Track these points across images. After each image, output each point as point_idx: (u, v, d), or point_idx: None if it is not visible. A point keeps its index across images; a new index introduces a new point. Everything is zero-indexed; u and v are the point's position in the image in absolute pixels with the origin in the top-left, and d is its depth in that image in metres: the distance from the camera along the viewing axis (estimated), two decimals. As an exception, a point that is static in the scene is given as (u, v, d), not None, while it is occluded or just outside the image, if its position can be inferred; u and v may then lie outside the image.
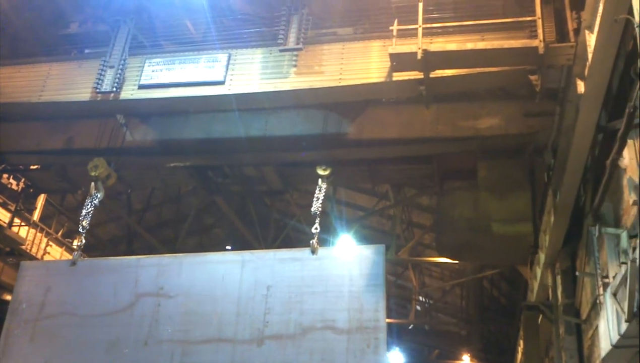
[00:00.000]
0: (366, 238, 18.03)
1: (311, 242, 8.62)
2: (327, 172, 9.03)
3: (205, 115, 9.60)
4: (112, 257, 10.20)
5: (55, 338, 9.17)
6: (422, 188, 15.20)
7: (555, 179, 7.48)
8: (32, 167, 12.33)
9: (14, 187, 17.07)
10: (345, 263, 8.33)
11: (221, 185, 11.29)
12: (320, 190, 8.99)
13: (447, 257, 12.62)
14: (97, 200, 9.64)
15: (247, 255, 9.11)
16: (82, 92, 9.15)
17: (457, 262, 14.36)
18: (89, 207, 9.63)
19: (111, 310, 9.09)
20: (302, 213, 20.02)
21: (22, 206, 17.28)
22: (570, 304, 7.97)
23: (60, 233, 19.43)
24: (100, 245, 20.91)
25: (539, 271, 9.43)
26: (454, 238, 10.07)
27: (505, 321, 19.37)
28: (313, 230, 8.74)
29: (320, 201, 8.88)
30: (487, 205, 9.42)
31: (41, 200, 18.23)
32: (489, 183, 9.30)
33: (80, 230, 9.59)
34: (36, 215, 18.11)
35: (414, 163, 10.09)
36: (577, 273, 7.63)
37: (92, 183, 9.61)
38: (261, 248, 18.31)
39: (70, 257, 19.07)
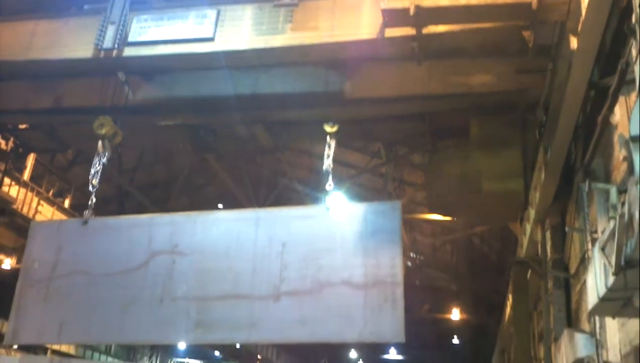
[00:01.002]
0: (358, 196, 18.12)
1: (326, 198, 8.57)
2: (334, 129, 8.95)
3: (195, 73, 9.48)
4: (124, 216, 10.14)
5: (69, 297, 9.16)
6: (413, 147, 15.21)
7: (547, 135, 7.50)
8: (20, 127, 12.19)
9: (3, 146, 16.94)
10: (360, 220, 8.27)
11: (212, 144, 11.23)
12: (329, 148, 8.87)
13: (438, 214, 12.72)
14: (105, 158, 9.54)
15: (261, 212, 9.09)
16: (72, 50, 9.03)
17: (448, 219, 14.47)
18: (97, 166, 9.55)
19: (125, 268, 9.05)
20: (293, 171, 20.06)
21: (11, 166, 17.21)
22: (559, 259, 8.08)
23: (51, 193, 19.42)
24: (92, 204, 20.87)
25: (528, 227, 9.53)
26: (445, 195, 10.13)
27: (494, 277, 19.66)
28: (327, 187, 8.65)
29: (330, 158, 8.76)
30: (478, 162, 9.45)
31: (31, 159, 18.16)
32: (481, 140, 9.31)
33: (90, 189, 9.51)
34: (26, 175, 18.06)
35: (406, 121, 10.07)
36: (566, 229, 7.73)
37: (99, 142, 9.50)
38: (251, 207, 18.39)
39: (62, 216, 19.14)
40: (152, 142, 13.15)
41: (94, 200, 9.58)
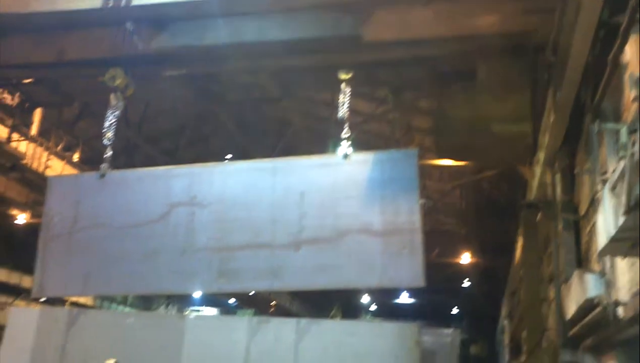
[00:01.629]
0: (365, 143, 18.06)
1: (342, 147, 8.44)
2: (349, 76, 8.82)
3: (200, 21, 9.31)
4: (140, 169, 10.13)
5: (92, 250, 9.22)
6: (421, 92, 15.08)
7: (556, 77, 7.38)
8: (25, 81, 12.13)
9: (9, 102, 16.94)
10: (378, 168, 8.20)
11: (218, 94, 11.14)
12: (344, 95, 8.71)
13: (446, 159, 12.68)
14: (118, 111, 9.49)
15: (278, 162, 9.01)
16: (79, 1, 8.91)
17: (456, 163, 14.43)
18: (111, 119, 9.50)
19: (145, 220, 9.07)
20: (300, 120, 19.98)
21: (19, 121, 17.22)
22: (569, 201, 8.08)
23: (60, 147, 19.48)
24: (101, 158, 20.93)
25: (538, 170, 9.49)
26: (454, 140, 10.07)
27: (504, 220, 19.72)
28: (342, 135, 8.50)
29: (345, 106, 8.61)
30: (487, 106, 9.35)
31: (38, 114, 18.16)
32: (489, 83, 9.18)
33: (106, 142, 9.49)
34: (34, 130, 18.09)
35: (413, 66, 9.91)
36: (576, 170, 7.69)
37: (112, 95, 9.43)
38: (260, 157, 18.39)
39: (73, 171, 19.25)
40: (158, 93, 13.05)
41: (110, 153, 9.57)
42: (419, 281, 7.54)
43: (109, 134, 9.47)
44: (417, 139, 17.27)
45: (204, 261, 8.62)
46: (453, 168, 17.68)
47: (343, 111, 8.63)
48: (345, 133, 8.55)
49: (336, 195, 8.23)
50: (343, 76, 8.84)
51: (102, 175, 9.56)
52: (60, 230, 9.52)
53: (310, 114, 20.21)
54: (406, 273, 7.62)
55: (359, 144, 16.04)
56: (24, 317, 9.83)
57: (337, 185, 8.29)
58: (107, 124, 9.43)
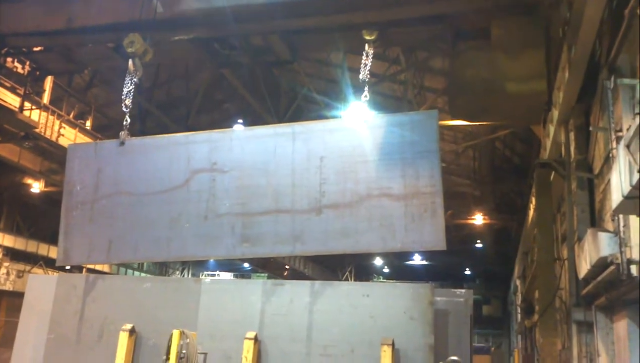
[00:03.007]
0: (378, 104, 17.92)
1: (362, 110, 8.37)
2: (373, 37, 8.65)
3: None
4: (160, 136, 10.13)
5: (114, 217, 9.30)
6: (434, 51, 14.88)
7: (571, 33, 7.22)
8: (35, 49, 12.09)
9: (20, 70, 16.91)
10: (397, 131, 8.10)
11: (228, 58, 11.05)
12: (367, 56, 8.55)
13: (460, 120, 12.56)
14: (136, 77, 9.43)
15: (297, 127, 8.92)
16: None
17: (470, 124, 14.30)
18: (129, 85, 9.44)
19: (167, 187, 9.11)
20: (312, 82, 19.83)
21: (30, 90, 17.24)
22: (583, 160, 8.00)
23: (72, 115, 19.51)
24: (113, 125, 21.01)
25: (552, 129, 9.39)
26: (468, 100, 9.96)
27: (517, 180, 19.64)
28: (362, 98, 8.39)
29: (368, 67, 8.45)
30: (501, 64, 9.22)
31: (49, 82, 18.14)
32: (503, 41, 9.04)
33: (124, 109, 9.46)
34: (46, 98, 18.10)
35: (426, 24, 9.74)
36: (590, 128, 7.59)
37: (130, 61, 9.36)
38: (272, 121, 18.33)
39: (86, 138, 19.32)
40: (168, 58, 12.99)
41: (129, 120, 9.54)
42: (441, 244, 7.53)
43: (127, 101, 9.43)
44: (429, 99, 17.10)
45: (227, 226, 8.66)
46: (466, 128, 17.54)
47: (364, 73, 8.48)
48: (365, 95, 8.42)
49: (356, 159, 8.17)
50: (367, 36, 8.66)
51: (122, 143, 9.55)
52: (82, 198, 9.58)
53: (322, 76, 20.05)
54: (428, 236, 7.61)
55: (371, 105, 15.94)
56: (42, 284, 9.98)
57: (356, 149, 8.23)
58: (125, 90, 9.38)
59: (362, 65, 8.50)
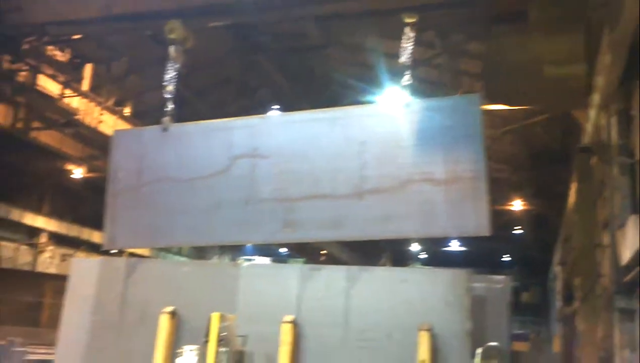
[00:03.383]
0: (413, 89, 17.74)
1: (404, 94, 8.23)
2: (413, 19, 8.55)
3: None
4: (202, 121, 10.27)
5: (158, 203, 9.47)
6: (469, 34, 14.65)
7: (612, 13, 7.04)
8: (74, 37, 12.30)
9: (60, 58, 17.25)
10: (440, 115, 8.02)
11: (263, 44, 11.09)
12: (407, 39, 8.37)
13: (497, 104, 12.37)
14: (178, 64, 9.52)
15: (336, 112, 8.98)
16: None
17: (508, 108, 14.08)
18: (171, 72, 9.56)
19: (209, 173, 9.22)
20: (347, 68, 19.75)
21: (70, 77, 17.57)
22: (625, 145, 7.82)
23: (111, 102, 19.83)
24: (151, 112, 21.29)
25: (592, 113, 9.20)
26: (504, 84, 9.80)
27: (557, 165, 19.28)
28: (404, 83, 8.25)
29: (409, 51, 8.29)
30: (539, 47, 9.04)
31: (88, 70, 18.45)
32: (541, 24, 8.85)
33: (166, 96, 9.58)
34: (85, 85, 18.43)
35: (462, 6, 9.61)
36: (632, 112, 7.41)
37: (171, 47, 9.46)
38: (306, 108, 18.34)
39: (125, 125, 19.64)
40: (203, 45, 13.07)
41: (171, 107, 9.66)
42: (485, 229, 7.45)
43: (170, 88, 9.53)
44: (465, 83, 16.88)
45: (268, 212, 8.72)
46: (504, 113, 17.26)
47: (406, 56, 8.31)
48: (407, 80, 8.29)
49: (397, 143, 8.10)
50: (407, 19, 8.55)
51: (165, 129, 9.68)
52: (126, 184, 9.77)
53: (356, 61, 19.96)
54: (471, 221, 7.55)
55: (406, 91, 15.80)
56: (85, 267, 10.24)
57: (397, 133, 8.16)
58: (167, 77, 9.48)
59: (403, 49, 8.34)
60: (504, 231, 31.08)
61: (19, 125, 18.11)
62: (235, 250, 36.65)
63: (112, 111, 19.75)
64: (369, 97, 18.80)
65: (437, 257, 42.69)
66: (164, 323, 8.53)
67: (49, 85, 16.98)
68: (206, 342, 7.21)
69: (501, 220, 28.02)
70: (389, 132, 8.20)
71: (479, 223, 7.47)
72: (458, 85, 16.97)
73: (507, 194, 24.45)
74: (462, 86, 16.74)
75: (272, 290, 8.63)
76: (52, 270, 24.85)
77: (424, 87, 18.80)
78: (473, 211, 7.50)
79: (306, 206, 8.49)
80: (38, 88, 16.42)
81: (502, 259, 44.79)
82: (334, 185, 8.35)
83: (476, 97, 8.09)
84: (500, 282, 8.55)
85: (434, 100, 8.68)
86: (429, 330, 7.34)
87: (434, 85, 17.67)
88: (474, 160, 7.62)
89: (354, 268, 8.53)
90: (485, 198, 7.49)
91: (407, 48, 8.31)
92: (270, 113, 17.50)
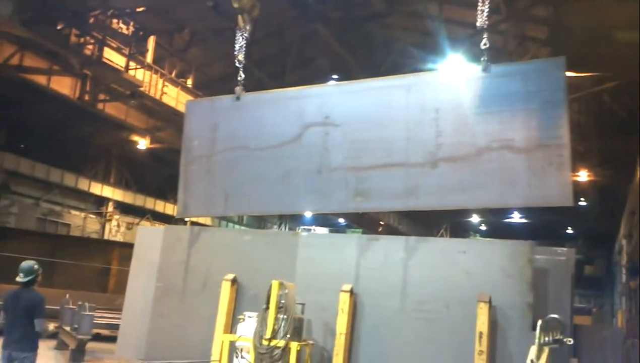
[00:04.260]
0: (477, 57, 17.30)
1: (482, 59, 8.00)
2: None
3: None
4: (274, 90, 10.33)
5: (230, 171, 9.66)
6: (536, -1, 14.14)
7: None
8: (138, 10, 12.51)
9: (125, 31, 17.61)
10: (520, 80, 7.73)
11: (321, 12, 11.00)
12: (484, 2, 7.95)
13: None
14: (246, 32, 9.57)
15: (412, 78, 8.82)
16: None
17: (575, 75, 13.60)
18: (240, 41, 9.63)
19: (281, 141, 9.31)
20: (407, 36, 19.40)
21: (135, 50, 17.93)
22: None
23: (174, 74, 20.16)
24: (210, 83, 21.55)
25: (666, 79, 8.79)
26: (572, 50, 9.47)
27: (625, 135, 18.54)
28: (482, 46, 7.96)
29: (485, 14, 7.89)
30: (609, 11, 8.68)
31: (152, 42, 18.77)
32: (612, -14, 8.49)
33: (237, 64, 9.68)
34: (149, 58, 18.77)
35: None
36: None
37: (239, 16, 9.49)
38: (366, 76, 18.17)
39: (188, 96, 19.96)
40: (264, 15, 13.09)
41: (243, 76, 9.75)
42: (567, 199, 7.19)
43: (240, 56, 9.59)
44: (531, 50, 16.33)
45: (339, 180, 8.74)
46: (570, 80, 16.66)
47: (482, 19, 7.93)
48: (484, 43, 7.97)
49: (475, 110, 7.90)
50: None
51: (237, 98, 9.80)
52: (199, 153, 9.96)
53: (417, 29, 19.58)
54: (553, 191, 7.28)
55: (470, 58, 15.47)
56: (150, 235, 10.57)
57: (475, 100, 7.94)
58: (237, 46, 9.54)
59: (479, 12, 7.92)
60: (569, 202, 30.20)
61: (86, 97, 18.66)
62: (294, 220, 37.05)
63: (175, 83, 20.07)
64: (429, 66, 18.46)
65: (498, 229, 41.98)
66: (225, 289, 8.74)
67: (114, 57, 17.38)
68: (266, 308, 7.34)
69: (566, 192, 27.22)
70: (466, 98, 7.97)
71: (562, 193, 7.20)
72: (524, 52, 16.44)
73: (573, 164, 23.72)
74: (527, 53, 16.22)
75: (330, 260, 8.70)
76: (119, 238, 25.73)
77: (487, 54, 18.32)
78: (556, 180, 7.21)
79: (378, 175, 8.41)
80: (104, 61, 16.83)
81: (565, 232, 43.69)
82: (407, 153, 8.22)
83: (561, 60, 7.62)
84: (563, 254, 8.34)
85: (515, 64, 8.35)
86: (488, 301, 7.27)
87: (499, 53, 17.18)
88: (558, 127, 7.30)
89: (413, 239, 8.49)
90: (569, 166, 7.20)
91: (484, 10, 7.88)
92: (328, 83, 17.40)
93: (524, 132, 7.48)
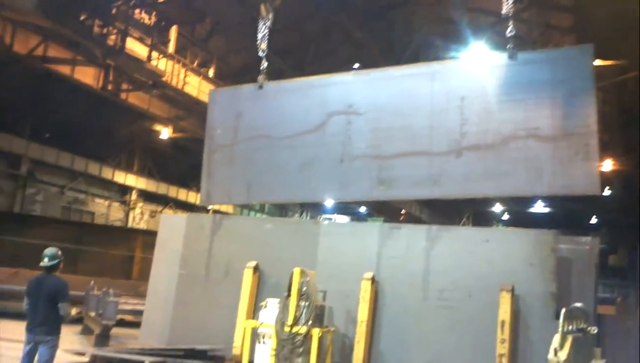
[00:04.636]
0: (499, 45, 17.16)
1: (508, 46, 7.93)
2: None
3: None
4: (297, 79, 10.33)
5: (253, 160, 9.72)
6: (560, -14, 13.98)
7: None
8: (160, 0, 12.58)
9: (147, 21, 17.71)
10: (546, 68, 7.66)
11: (343, 2, 10.97)
12: None
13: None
14: (269, 22, 9.60)
15: (436, 66, 8.77)
16: None
17: (599, 64, 13.43)
18: (263, 30, 9.67)
19: (303, 130, 9.33)
20: (428, 25, 19.27)
21: (157, 40, 18.04)
22: None
23: (195, 64, 20.25)
24: (232, 73, 21.61)
25: (693, 67, 8.65)
26: (596, 38, 9.35)
27: (651, 124, 18.28)
28: (508, 34, 7.91)
29: (510, 1, 7.85)
30: (634, -3, 8.56)
31: (174, 32, 18.86)
32: (638, -28, 8.36)
33: (260, 53, 9.73)
34: (171, 48, 18.88)
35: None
36: None
37: (262, 6, 9.53)
38: (387, 66, 18.08)
39: (209, 86, 20.06)
40: (285, 4, 13.10)
41: (266, 64, 9.78)
42: (595, 188, 7.14)
43: (263, 45, 9.62)
44: (555, 38, 16.14)
45: (362, 169, 8.74)
46: (595, 68, 16.48)
47: (507, 7, 7.87)
48: (510, 31, 7.89)
49: (500, 98, 7.83)
50: None
51: (261, 86, 9.84)
52: (222, 142, 10.03)
53: (439, 18, 19.43)
54: (579, 180, 7.23)
55: (492, 47, 15.32)
56: (173, 223, 10.68)
57: (501, 87, 7.87)
58: (259, 35, 9.58)
59: (504, 0, 7.86)
60: (592, 192, 29.87)
61: (110, 87, 18.83)
62: (315, 208, 37.10)
63: (197, 73, 20.16)
64: (451, 54, 18.33)
65: (521, 218, 41.64)
66: (247, 277, 8.82)
67: (136, 47, 17.50)
68: (288, 296, 7.40)
69: (589, 181, 26.91)
70: (492, 86, 7.90)
71: (589, 182, 7.14)
72: (547, 40, 16.26)
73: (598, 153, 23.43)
74: (551, 41, 16.04)
75: (352, 248, 8.73)
76: (142, 225, 26.00)
77: (513, 42, 18.14)
78: (583, 169, 7.15)
79: (401, 163, 8.39)
80: (127, 51, 16.96)
81: (589, 221, 43.22)
82: (431, 141, 8.17)
83: (589, 48, 7.54)
84: (587, 244, 8.26)
85: (542, 52, 8.26)
86: (511, 290, 7.25)
87: (521, 41, 17.01)
88: (586, 115, 7.22)
89: (435, 228, 8.48)
90: (597, 156, 7.12)
91: None
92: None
93: (550, 120, 7.41)
